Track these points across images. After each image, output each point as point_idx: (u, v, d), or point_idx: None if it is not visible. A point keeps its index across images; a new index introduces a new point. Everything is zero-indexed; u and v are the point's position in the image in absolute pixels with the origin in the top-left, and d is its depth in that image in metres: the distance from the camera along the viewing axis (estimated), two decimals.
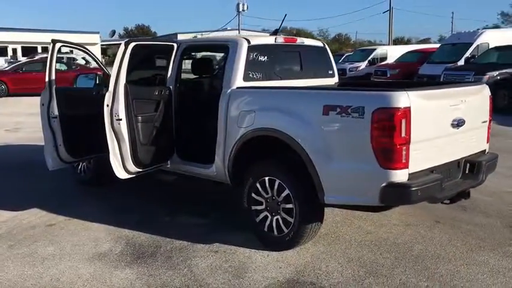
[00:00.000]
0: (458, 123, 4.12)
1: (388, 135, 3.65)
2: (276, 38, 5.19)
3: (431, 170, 3.99)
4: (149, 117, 4.97)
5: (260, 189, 4.48)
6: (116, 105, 4.66)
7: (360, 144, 3.79)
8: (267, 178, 4.42)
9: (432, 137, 3.95)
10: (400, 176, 3.71)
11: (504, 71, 15.50)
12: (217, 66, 6.39)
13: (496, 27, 43.43)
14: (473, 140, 4.52)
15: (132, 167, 4.87)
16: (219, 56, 7.82)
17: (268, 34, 7.45)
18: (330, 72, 5.83)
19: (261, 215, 4.52)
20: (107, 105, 4.67)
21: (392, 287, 3.78)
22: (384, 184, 3.71)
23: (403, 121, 3.63)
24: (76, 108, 5.54)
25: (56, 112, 5.33)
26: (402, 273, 3.99)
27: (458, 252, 4.38)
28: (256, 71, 4.92)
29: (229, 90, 4.74)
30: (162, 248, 4.55)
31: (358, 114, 3.74)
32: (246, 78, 4.82)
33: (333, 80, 5.83)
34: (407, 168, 3.73)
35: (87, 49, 5.80)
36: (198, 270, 4.10)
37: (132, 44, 4.67)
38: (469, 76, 15.20)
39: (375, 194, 3.75)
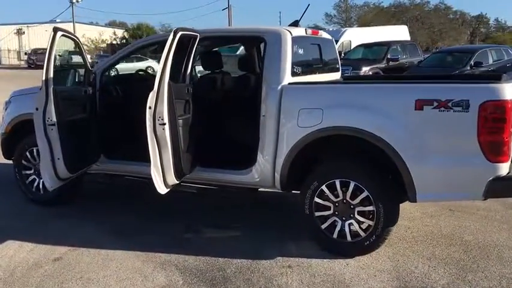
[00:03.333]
0: None
1: (498, 129, 3.60)
2: (306, 30, 4.83)
3: None
4: (186, 120, 4.27)
5: (328, 192, 4.13)
6: (160, 107, 3.90)
7: (463, 138, 3.68)
8: (337, 180, 4.08)
9: None
10: (505, 169, 3.68)
11: (375, 66, 16.87)
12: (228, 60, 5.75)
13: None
14: None
15: (172, 179, 4.14)
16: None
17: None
18: (337, 66, 5.63)
19: (328, 221, 4.17)
20: (149, 108, 3.89)
21: (496, 280, 3.75)
22: (491, 178, 3.65)
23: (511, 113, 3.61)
24: (72, 112, 4.55)
25: (54, 118, 4.29)
26: (489, 264, 3.99)
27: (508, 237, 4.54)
28: (297, 65, 4.53)
29: (279, 87, 4.27)
30: (227, 270, 3.94)
31: (462, 108, 3.63)
32: (292, 73, 4.40)
33: (338, 75, 5.65)
34: (509, 161, 3.73)
35: (78, 40, 4.76)
36: None
37: (180, 34, 3.95)
38: (347, 71, 16.06)
39: (479, 188, 3.68)
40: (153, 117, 3.90)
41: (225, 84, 5.05)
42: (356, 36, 22.80)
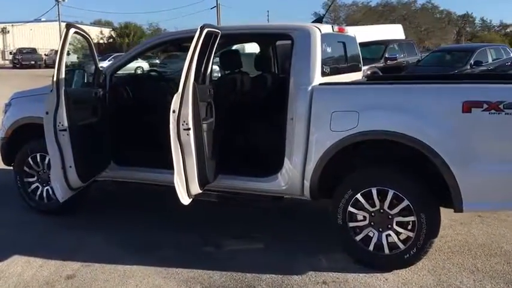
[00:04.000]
0: None
1: None
2: (332, 27, 4.53)
3: None
4: (210, 124, 3.94)
5: (363, 202, 3.83)
6: (184, 111, 3.57)
7: None
8: (374, 189, 3.78)
9: None
10: None
11: (373, 65, 16.63)
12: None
13: None
14: None
15: (196, 188, 3.81)
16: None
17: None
18: (360, 65, 5.34)
19: (363, 233, 3.88)
20: (173, 111, 3.56)
21: None
22: None
23: None
24: (83, 116, 4.20)
25: (66, 123, 3.93)
26: None
27: None
28: (326, 64, 4.23)
29: (309, 88, 3.97)
30: (257, 287, 3.62)
31: None
32: (322, 73, 4.11)
33: (361, 74, 5.36)
34: None
35: (90, 37, 4.40)
36: None
37: (206, 30, 3.63)
38: None
39: None
40: (177, 121, 3.58)
41: (245, 85, 4.74)
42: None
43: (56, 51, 4.22)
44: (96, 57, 4.52)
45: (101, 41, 52.70)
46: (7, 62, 49.07)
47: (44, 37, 54.31)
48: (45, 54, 45.31)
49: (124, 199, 5.58)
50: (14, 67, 42.90)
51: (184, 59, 3.66)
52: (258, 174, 4.26)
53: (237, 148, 4.50)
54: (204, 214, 5.00)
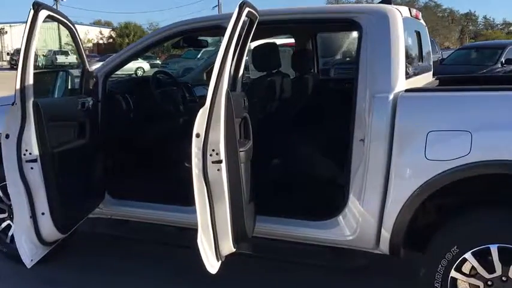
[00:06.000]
0: None
1: None
2: (410, 10, 3.28)
3: None
4: (248, 152, 2.68)
5: (476, 264, 2.59)
6: (214, 135, 2.32)
7: None
8: (494, 246, 2.54)
9: None
10: None
11: None
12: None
13: None
14: None
15: (229, 247, 2.58)
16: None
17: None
18: (431, 63, 4.10)
19: None
20: (197, 135, 2.32)
21: None
22: None
23: None
24: (63, 137, 2.97)
25: (36, 150, 2.69)
26: None
27: None
28: (409, 62, 3.00)
29: (390, 96, 2.73)
30: None
31: None
32: (406, 74, 2.87)
33: (431, 75, 4.12)
34: None
35: (73, 25, 3.14)
36: None
37: (247, 11, 2.40)
38: None
39: None
40: (202, 150, 2.33)
41: (285, 91, 3.50)
42: None
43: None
44: (84, 53, 3.27)
45: (101, 41, 51.80)
46: (5, 63, 48.07)
47: (44, 37, 53.33)
48: (43, 55, 44.46)
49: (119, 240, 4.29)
50: (12, 68, 41.89)
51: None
52: (311, 217, 3.03)
53: (280, 180, 3.26)
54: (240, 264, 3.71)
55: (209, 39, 5.20)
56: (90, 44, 51.80)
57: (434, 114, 2.67)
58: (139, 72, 25.11)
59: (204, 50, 18.92)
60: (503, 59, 13.33)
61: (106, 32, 56.16)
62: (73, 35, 3.13)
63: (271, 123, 3.37)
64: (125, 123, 3.67)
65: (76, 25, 3.28)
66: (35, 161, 2.70)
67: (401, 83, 2.79)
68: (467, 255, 2.61)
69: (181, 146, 2.60)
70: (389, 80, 2.77)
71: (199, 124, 2.34)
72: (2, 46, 53.70)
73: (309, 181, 3.28)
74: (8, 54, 48.10)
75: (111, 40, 53.87)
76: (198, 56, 20.39)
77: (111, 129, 3.51)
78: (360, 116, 2.83)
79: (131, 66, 26.64)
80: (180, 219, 3.29)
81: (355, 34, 4.60)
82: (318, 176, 3.21)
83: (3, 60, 49.82)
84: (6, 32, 54.25)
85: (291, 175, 3.35)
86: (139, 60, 29.24)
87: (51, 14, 2.76)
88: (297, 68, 4.03)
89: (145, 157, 3.63)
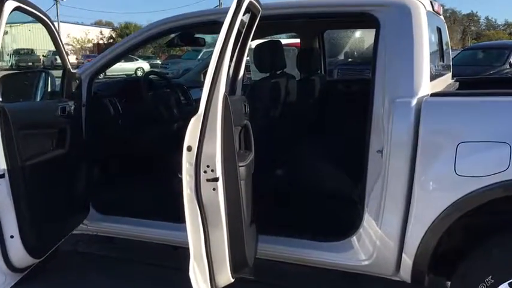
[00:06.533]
0: None
1: None
2: (432, 3, 2.90)
3: None
4: (249, 166, 2.31)
5: None
6: (208, 148, 1.96)
7: None
8: None
9: None
10: None
11: None
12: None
13: None
14: None
15: (227, 278, 2.21)
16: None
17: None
18: (450, 63, 3.74)
19: None
20: (189, 149, 1.95)
21: None
22: None
23: None
24: (38, 147, 2.61)
25: (3, 164, 2.32)
26: None
27: None
28: (432, 62, 2.63)
29: (414, 101, 2.36)
30: None
31: None
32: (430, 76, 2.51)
33: (450, 75, 3.76)
34: None
35: (49, 18, 2.77)
36: None
37: (247, 2, 2.03)
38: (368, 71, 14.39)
39: None
40: (195, 166, 1.96)
41: (291, 94, 3.13)
42: (370, 34, 21.18)
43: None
44: (64, 51, 2.89)
45: (101, 42, 51.64)
46: (5, 63, 47.82)
47: (43, 38, 53.15)
48: (43, 55, 44.19)
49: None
50: (11, 68, 41.63)
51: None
52: (321, 237, 2.67)
53: (285, 195, 2.89)
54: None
55: (209, 40, 4.88)
56: (90, 44, 51.64)
57: (465, 123, 2.30)
58: (139, 73, 24.73)
59: (205, 50, 18.60)
60: (511, 60, 12.97)
61: (106, 32, 56.05)
62: (50, 31, 2.75)
63: (275, 131, 3.00)
64: (112, 130, 3.32)
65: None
66: (1, 176, 2.33)
67: (425, 86, 2.42)
68: (504, 285, 2.25)
69: (174, 155, 2.24)
70: (412, 82, 2.40)
71: (191, 135, 1.97)
72: (2, 46, 53.58)
73: (317, 197, 2.91)
74: (7, 54, 47.87)
75: (111, 40, 53.72)
76: (199, 57, 20.07)
77: (97, 136, 3.15)
78: (377, 124, 2.48)
79: (131, 66, 26.36)
80: (174, 238, 2.94)
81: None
82: (329, 191, 2.85)
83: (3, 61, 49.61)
84: (7, 32, 54.00)
85: (298, 190, 2.99)
86: (140, 60, 28.94)
87: (21, 5, 2.40)
88: (303, 68, 3.67)
89: (136, 167, 3.28)
